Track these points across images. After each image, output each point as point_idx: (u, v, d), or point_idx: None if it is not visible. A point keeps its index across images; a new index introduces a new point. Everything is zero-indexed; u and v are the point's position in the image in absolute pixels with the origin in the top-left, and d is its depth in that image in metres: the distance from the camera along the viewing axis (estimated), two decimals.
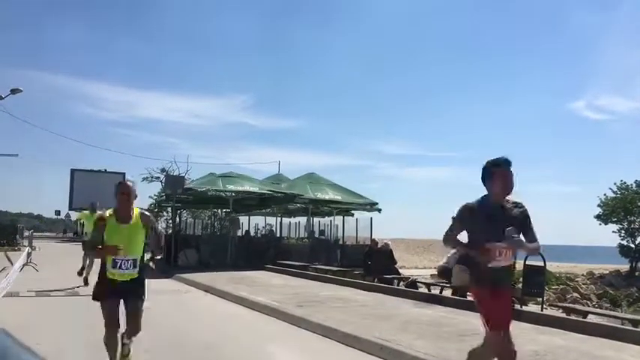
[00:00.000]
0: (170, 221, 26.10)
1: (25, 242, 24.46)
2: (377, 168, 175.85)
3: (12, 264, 14.15)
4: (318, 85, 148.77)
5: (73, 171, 53.59)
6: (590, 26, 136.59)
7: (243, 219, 25.90)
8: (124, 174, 55.66)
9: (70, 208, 56.35)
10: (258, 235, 26.23)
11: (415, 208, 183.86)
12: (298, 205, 22.17)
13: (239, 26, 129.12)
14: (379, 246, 15.63)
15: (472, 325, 7.29)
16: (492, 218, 3.79)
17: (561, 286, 21.26)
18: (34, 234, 30.15)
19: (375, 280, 13.76)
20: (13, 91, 31.80)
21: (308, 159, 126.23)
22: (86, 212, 12.14)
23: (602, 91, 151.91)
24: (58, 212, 61.43)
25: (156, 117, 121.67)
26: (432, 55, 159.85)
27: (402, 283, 14.02)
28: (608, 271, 29.38)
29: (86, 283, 11.06)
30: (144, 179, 30.13)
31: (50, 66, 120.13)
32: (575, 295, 20.01)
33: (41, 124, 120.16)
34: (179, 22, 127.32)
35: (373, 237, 18.99)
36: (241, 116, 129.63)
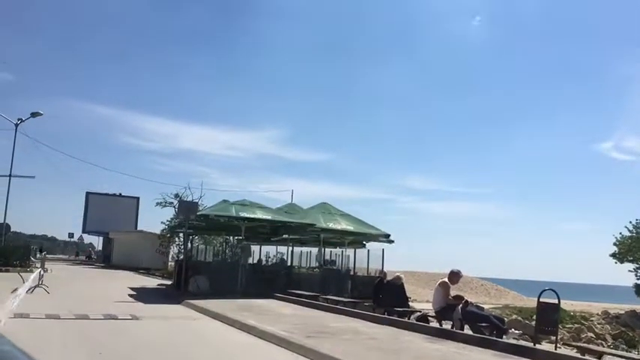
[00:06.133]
0: (182, 247, 26.15)
1: (38, 264, 24.64)
2: (398, 202, 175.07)
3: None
4: (351, 122, 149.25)
5: (88, 194, 54.16)
6: (624, 74, 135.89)
7: (254, 247, 25.85)
8: (137, 198, 56.20)
9: (84, 231, 56.80)
10: (269, 263, 26.13)
11: (433, 241, 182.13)
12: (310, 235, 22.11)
13: (286, 65, 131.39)
14: (391, 279, 15.45)
15: None
16: None
17: (576, 325, 20.80)
18: (47, 256, 30.32)
19: (385, 313, 13.59)
20: (34, 115, 32.51)
21: (329, 191, 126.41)
22: None
23: (631, 132, 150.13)
24: (71, 235, 61.99)
25: (193, 148, 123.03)
26: (456, 95, 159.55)
27: (412, 316, 13.83)
28: (623, 311, 28.72)
29: None
30: (157, 204, 30.35)
31: (97, 97, 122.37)
32: (590, 334, 19.56)
33: (76, 151, 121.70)
34: (229, 61, 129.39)
35: (384, 269, 18.81)
36: (272, 148, 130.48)
